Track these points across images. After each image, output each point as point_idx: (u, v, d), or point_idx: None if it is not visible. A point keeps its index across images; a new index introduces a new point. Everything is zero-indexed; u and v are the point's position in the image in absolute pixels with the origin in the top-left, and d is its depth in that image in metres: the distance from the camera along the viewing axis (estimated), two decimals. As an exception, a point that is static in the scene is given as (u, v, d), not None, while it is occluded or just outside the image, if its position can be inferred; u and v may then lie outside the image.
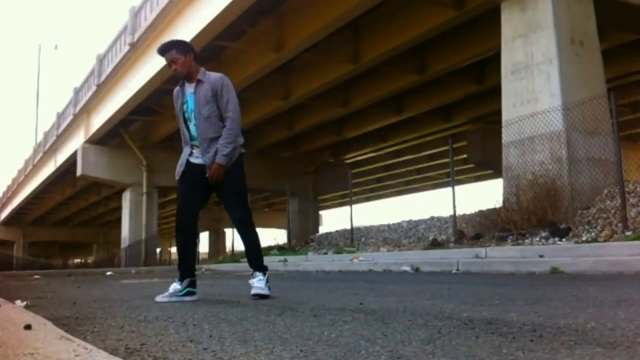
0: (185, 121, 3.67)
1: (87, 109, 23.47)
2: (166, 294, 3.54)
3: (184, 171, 3.68)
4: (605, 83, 9.84)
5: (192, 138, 3.67)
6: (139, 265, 21.17)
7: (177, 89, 3.73)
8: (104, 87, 21.01)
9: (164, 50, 3.61)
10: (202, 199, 3.73)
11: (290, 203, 20.37)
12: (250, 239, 3.67)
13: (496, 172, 16.69)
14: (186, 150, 3.73)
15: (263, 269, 3.61)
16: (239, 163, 3.64)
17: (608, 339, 1.73)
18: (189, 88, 3.65)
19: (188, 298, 3.54)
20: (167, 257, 33.20)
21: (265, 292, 3.52)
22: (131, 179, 24.13)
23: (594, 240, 6.95)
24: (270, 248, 15.92)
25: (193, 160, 3.66)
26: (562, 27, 9.21)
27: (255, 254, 3.65)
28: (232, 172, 3.59)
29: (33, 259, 40.03)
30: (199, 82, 3.61)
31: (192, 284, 3.61)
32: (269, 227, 37.22)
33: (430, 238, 11.48)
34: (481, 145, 20.02)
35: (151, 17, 16.27)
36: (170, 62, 3.59)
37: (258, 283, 3.53)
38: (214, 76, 3.64)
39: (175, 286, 3.56)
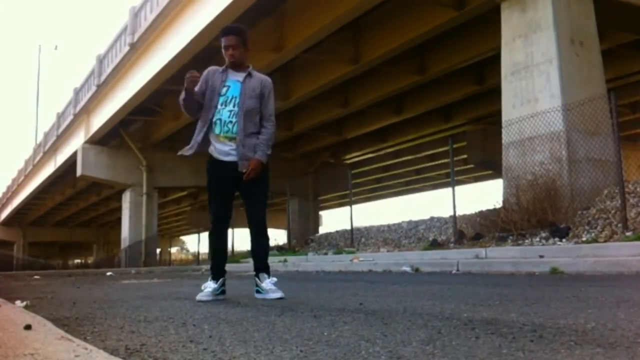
0: (218, 104, 3.56)
1: (87, 109, 23.47)
2: (206, 293, 3.52)
3: (214, 170, 3.58)
4: (605, 83, 9.83)
5: (220, 124, 3.53)
6: (139, 265, 21.17)
7: (213, 68, 3.67)
8: (104, 87, 21.00)
9: (234, 31, 3.62)
10: (233, 197, 3.74)
11: (290, 203, 20.39)
12: (266, 240, 3.79)
13: (496, 173, 16.71)
14: (201, 128, 3.55)
15: (269, 271, 3.70)
16: (267, 165, 3.68)
17: (608, 339, 1.73)
18: (234, 75, 3.62)
19: (222, 297, 3.61)
20: (167, 258, 33.13)
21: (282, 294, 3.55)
22: (131, 179, 24.10)
23: (594, 240, 6.94)
24: (270, 248, 15.89)
25: (224, 158, 3.55)
26: (562, 27, 9.21)
27: (266, 256, 3.76)
28: (264, 172, 3.64)
29: (33, 260, 39.96)
30: (249, 74, 3.63)
31: (224, 284, 3.66)
32: (269, 228, 36.84)
33: (430, 238, 11.49)
34: (481, 145, 20.03)
35: (151, 17, 16.25)
36: (229, 46, 3.57)
37: (274, 286, 3.58)
38: (263, 76, 3.73)
39: (212, 285, 3.56)
